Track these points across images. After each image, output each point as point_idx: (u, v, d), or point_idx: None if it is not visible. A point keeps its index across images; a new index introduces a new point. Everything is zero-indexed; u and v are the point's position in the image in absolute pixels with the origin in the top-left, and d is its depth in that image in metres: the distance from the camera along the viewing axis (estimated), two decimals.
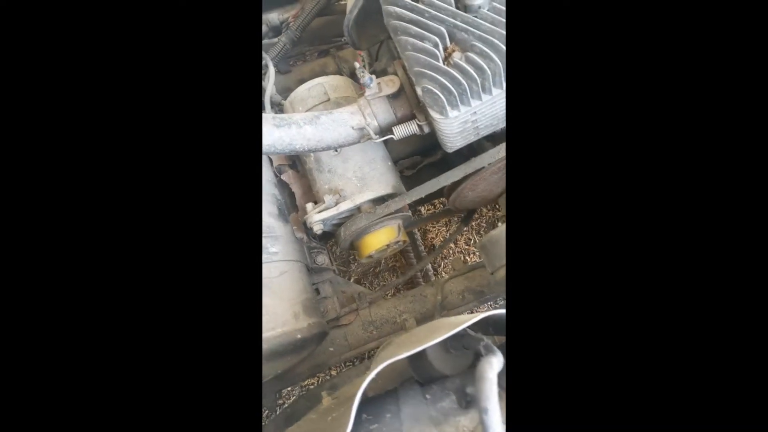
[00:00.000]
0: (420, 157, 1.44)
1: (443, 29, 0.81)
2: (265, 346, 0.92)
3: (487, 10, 0.80)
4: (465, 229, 1.61)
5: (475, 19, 0.80)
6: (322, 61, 1.63)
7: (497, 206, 1.68)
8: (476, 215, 1.73)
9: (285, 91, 1.57)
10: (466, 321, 0.59)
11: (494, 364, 0.53)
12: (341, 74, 1.60)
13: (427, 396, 0.71)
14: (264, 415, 1.51)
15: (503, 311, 0.60)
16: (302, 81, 1.61)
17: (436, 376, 0.79)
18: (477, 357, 0.78)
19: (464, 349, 0.78)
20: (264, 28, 1.51)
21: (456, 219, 1.76)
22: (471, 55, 0.79)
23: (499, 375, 0.56)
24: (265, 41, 1.47)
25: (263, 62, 1.40)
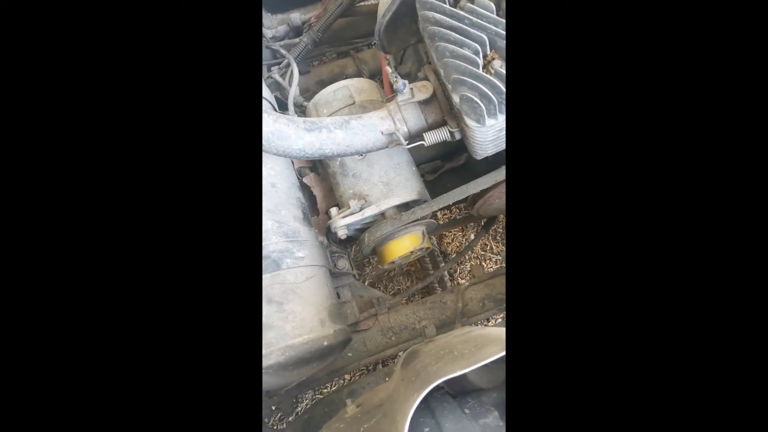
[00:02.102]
0: (441, 162, 1.43)
1: (485, 36, 0.80)
2: (292, 352, 0.91)
3: None
4: (485, 234, 1.60)
5: None
6: (342, 62, 1.62)
7: None
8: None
9: (304, 91, 1.56)
10: None
11: None
12: (361, 75, 1.59)
13: (466, 410, 0.70)
14: (277, 418, 1.50)
15: None
16: (321, 81, 1.60)
17: (469, 389, 0.78)
18: None
19: (501, 363, 0.77)
20: (285, 28, 1.49)
21: (473, 225, 1.74)
22: None
23: None
24: (286, 41, 1.46)
25: (285, 61, 1.39)
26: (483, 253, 1.74)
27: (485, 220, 1.47)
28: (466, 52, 0.80)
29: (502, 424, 0.63)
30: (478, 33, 0.80)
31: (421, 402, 0.78)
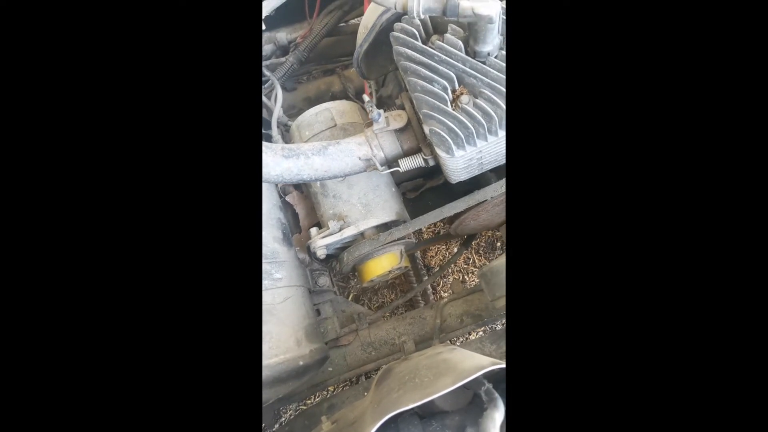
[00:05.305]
0: (423, 180, 1.47)
1: (452, 73, 0.83)
2: (268, 372, 0.94)
3: (496, 57, 0.83)
4: (464, 250, 1.64)
5: (484, 66, 0.82)
6: (328, 80, 1.65)
7: (497, 230, 1.70)
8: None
9: (290, 108, 1.60)
10: (474, 371, 0.61)
11: (497, 419, 0.55)
12: (346, 93, 1.62)
13: None
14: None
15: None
16: (308, 99, 1.64)
17: (435, 411, 0.82)
18: (476, 396, 0.81)
19: (465, 388, 0.80)
20: (272, 47, 1.52)
21: (456, 240, 1.78)
22: (479, 101, 0.82)
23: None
24: (272, 60, 1.49)
25: (270, 82, 1.42)
26: (465, 266, 1.78)
27: (464, 237, 1.50)
28: (435, 88, 0.83)
29: None
30: (446, 70, 0.83)
31: (390, 421, 0.82)
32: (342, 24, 1.54)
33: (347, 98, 1.62)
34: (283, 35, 1.52)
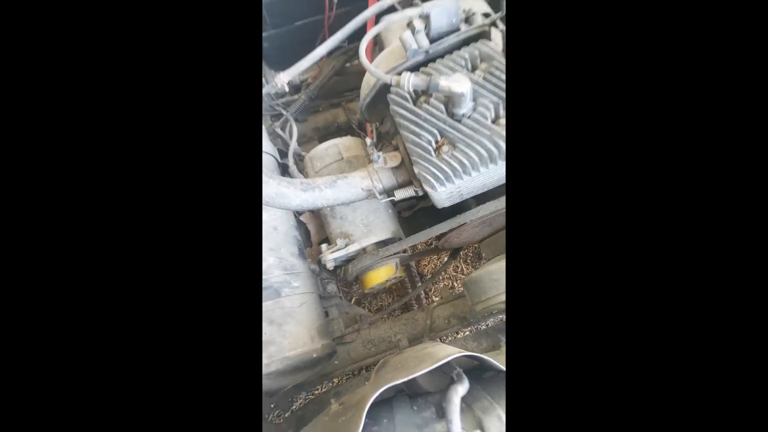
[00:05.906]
0: (416, 201, 1.71)
1: (435, 130, 1.07)
2: (288, 362, 1.18)
3: (469, 118, 1.07)
4: (453, 260, 1.87)
5: (459, 124, 1.06)
6: (334, 112, 1.90)
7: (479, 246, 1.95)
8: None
9: (301, 137, 1.84)
10: (444, 357, 0.85)
11: (459, 391, 0.78)
12: (350, 123, 1.87)
13: (414, 407, 0.97)
14: (276, 414, 1.76)
15: (469, 355, 0.85)
16: (317, 128, 1.88)
17: (420, 391, 1.06)
18: (451, 380, 1.05)
19: (443, 373, 1.04)
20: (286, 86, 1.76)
21: (446, 250, 2.02)
22: (456, 152, 1.06)
23: (463, 397, 0.82)
24: (287, 98, 1.73)
25: (284, 118, 1.66)
26: (455, 274, 2.01)
27: (451, 250, 1.74)
28: (422, 141, 1.07)
29: (435, 417, 0.90)
30: (431, 127, 1.07)
31: (385, 401, 1.06)
32: (347, 65, 1.78)
33: (351, 128, 1.86)
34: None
